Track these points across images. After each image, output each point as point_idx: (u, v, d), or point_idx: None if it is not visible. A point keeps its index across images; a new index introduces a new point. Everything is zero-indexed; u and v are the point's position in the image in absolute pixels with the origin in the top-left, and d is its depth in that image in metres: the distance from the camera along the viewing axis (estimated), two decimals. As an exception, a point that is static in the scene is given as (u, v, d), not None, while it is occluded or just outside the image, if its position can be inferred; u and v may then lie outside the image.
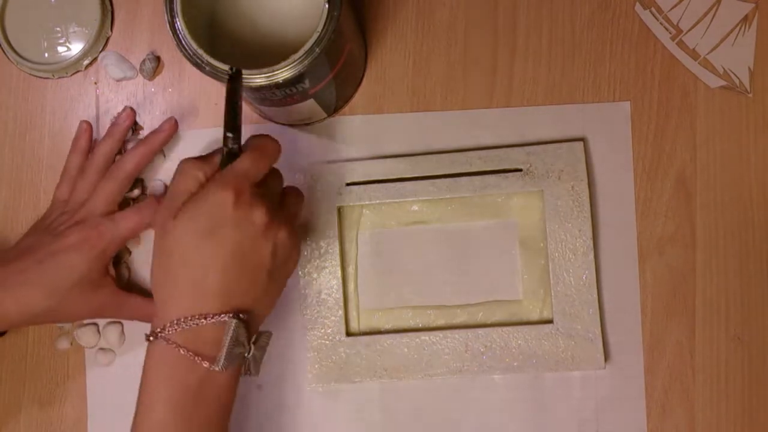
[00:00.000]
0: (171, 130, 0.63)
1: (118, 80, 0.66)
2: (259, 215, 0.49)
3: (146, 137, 0.63)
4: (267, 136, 0.53)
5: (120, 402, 0.53)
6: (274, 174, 0.54)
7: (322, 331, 0.61)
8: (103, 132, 0.64)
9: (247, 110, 0.64)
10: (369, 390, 0.62)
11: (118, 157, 0.62)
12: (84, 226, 0.58)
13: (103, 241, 0.58)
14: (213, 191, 0.49)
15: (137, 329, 0.63)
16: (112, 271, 0.60)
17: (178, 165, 0.52)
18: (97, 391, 0.63)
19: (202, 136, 0.65)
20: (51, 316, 0.58)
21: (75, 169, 0.62)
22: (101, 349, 0.64)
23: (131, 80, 0.66)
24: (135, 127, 0.65)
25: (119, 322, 0.63)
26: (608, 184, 0.61)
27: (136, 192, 0.64)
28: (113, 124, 0.63)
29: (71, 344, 0.64)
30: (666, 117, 0.61)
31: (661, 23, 0.62)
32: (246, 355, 0.51)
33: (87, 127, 0.63)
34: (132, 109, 0.64)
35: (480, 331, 0.60)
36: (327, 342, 0.61)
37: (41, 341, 0.64)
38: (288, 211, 0.54)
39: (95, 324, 0.64)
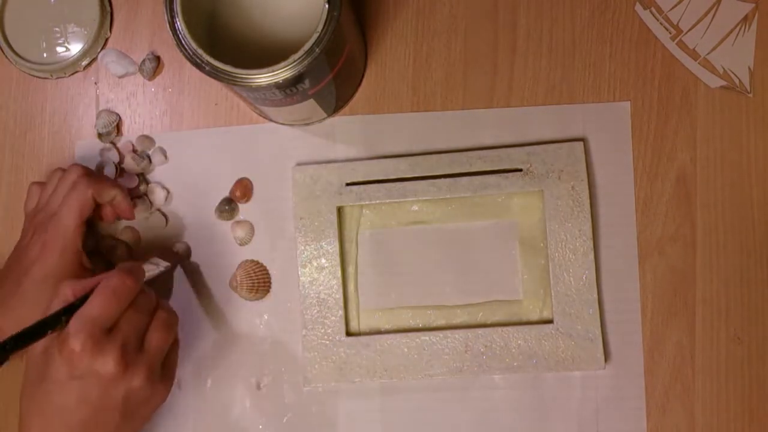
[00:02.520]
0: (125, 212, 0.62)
1: (119, 77, 0.65)
2: (107, 366, 0.49)
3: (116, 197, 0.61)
4: (122, 273, 0.51)
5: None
6: (136, 308, 0.52)
7: (322, 331, 0.61)
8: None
9: (247, 110, 0.64)
10: (369, 390, 0.62)
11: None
12: (38, 231, 0.58)
13: (57, 239, 0.57)
14: (60, 342, 0.49)
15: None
16: (87, 263, 0.59)
17: (59, 286, 0.52)
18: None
19: (201, 136, 0.65)
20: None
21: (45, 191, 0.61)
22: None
23: (131, 80, 0.66)
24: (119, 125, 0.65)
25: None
26: (608, 184, 0.61)
27: (143, 188, 0.64)
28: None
29: None
30: (666, 117, 0.61)
31: (661, 23, 0.62)
32: None
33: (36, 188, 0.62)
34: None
35: (480, 331, 0.60)
36: (327, 342, 0.61)
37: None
38: (150, 348, 0.52)
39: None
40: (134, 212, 0.62)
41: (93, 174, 0.60)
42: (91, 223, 0.63)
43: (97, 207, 0.60)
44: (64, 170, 0.61)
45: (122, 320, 0.51)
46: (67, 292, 0.51)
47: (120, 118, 0.65)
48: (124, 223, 0.64)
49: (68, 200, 0.58)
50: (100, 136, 0.65)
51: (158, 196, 0.64)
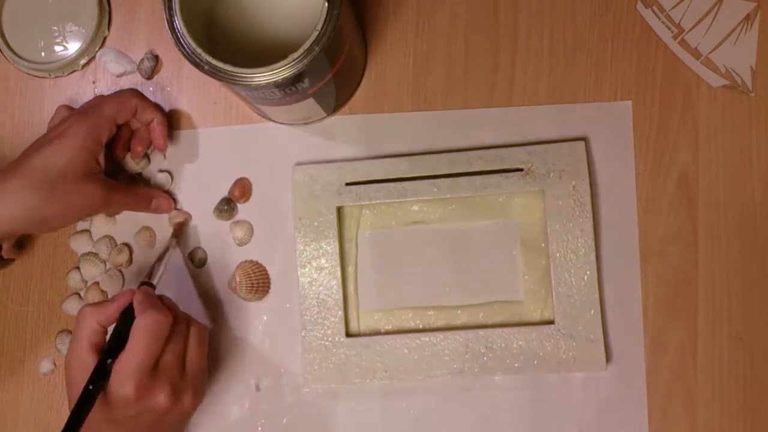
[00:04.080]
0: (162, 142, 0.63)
1: (118, 76, 0.65)
2: (160, 401, 0.52)
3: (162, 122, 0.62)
4: (156, 313, 0.52)
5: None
6: (173, 337, 0.53)
7: (322, 331, 0.61)
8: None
9: (246, 110, 0.64)
10: (369, 391, 0.61)
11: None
12: (72, 115, 0.58)
13: (87, 121, 0.57)
14: (114, 391, 0.51)
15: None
16: (102, 161, 0.59)
17: (79, 311, 0.54)
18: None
19: (201, 135, 0.64)
20: (44, 214, 0.56)
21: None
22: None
23: (130, 79, 0.65)
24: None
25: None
26: (610, 183, 0.61)
27: (143, 163, 0.64)
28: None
29: (55, 365, 0.64)
30: (668, 116, 0.61)
31: (662, 22, 0.62)
32: None
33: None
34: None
35: (481, 332, 0.60)
36: (327, 343, 0.61)
37: (39, 343, 0.64)
38: (192, 369, 0.54)
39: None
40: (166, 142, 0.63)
41: (139, 92, 0.62)
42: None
43: (127, 139, 0.62)
44: None
45: (164, 354, 0.53)
46: (92, 324, 0.53)
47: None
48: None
49: (111, 98, 0.60)
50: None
51: (162, 183, 0.64)
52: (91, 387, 0.50)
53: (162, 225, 0.64)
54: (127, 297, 0.54)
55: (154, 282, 0.58)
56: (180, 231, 0.63)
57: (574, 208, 0.60)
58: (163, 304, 0.54)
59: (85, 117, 0.58)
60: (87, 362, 0.52)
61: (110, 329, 0.54)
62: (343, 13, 0.50)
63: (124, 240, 0.64)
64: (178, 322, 0.54)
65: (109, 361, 0.51)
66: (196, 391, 0.54)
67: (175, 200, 0.64)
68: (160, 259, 0.60)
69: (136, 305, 0.53)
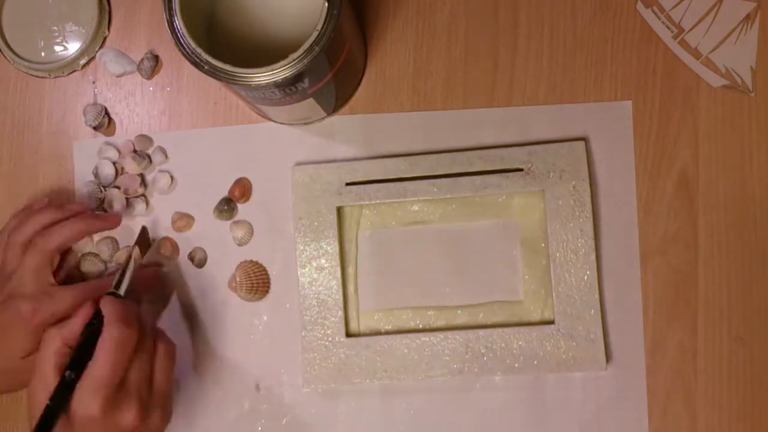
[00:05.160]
0: (113, 221, 0.61)
1: (117, 76, 0.65)
2: (127, 419, 0.49)
3: (84, 214, 0.60)
4: (119, 324, 0.50)
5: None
6: (140, 351, 0.51)
7: (322, 332, 0.61)
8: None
9: (246, 109, 0.64)
10: (369, 391, 0.61)
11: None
12: (18, 300, 0.55)
13: (40, 317, 0.54)
14: (78, 409, 0.48)
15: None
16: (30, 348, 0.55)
17: (44, 332, 0.51)
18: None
19: (200, 135, 0.64)
20: (13, 384, 0.57)
21: (8, 231, 0.60)
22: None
23: (129, 79, 0.65)
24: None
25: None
26: (610, 183, 0.61)
27: (141, 189, 0.64)
28: (60, 204, 0.61)
29: None
30: (668, 116, 0.61)
31: (662, 22, 0.62)
32: None
33: (40, 203, 0.62)
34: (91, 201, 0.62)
35: (481, 332, 0.60)
36: (327, 343, 0.61)
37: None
38: (160, 387, 0.52)
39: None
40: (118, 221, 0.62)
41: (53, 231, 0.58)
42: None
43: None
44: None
45: (131, 370, 0.50)
46: (57, 343, 0.50)
47: (105, 108, 0.65)
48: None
49: (68, 299, 0.55)
50: (95, 129, 0.65)
51: (163, 183, 0.64)
52: (50, 403, 0.47)
53: (160, 228, 0.64)
54: (88, 310, 0.51)
55: (121, 291, 0.55)
56: (144, 239, 0.60)
57: (574, 208, 0.60)
58: (130, 315, 0.51)
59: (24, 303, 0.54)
60: (52, 384, 0.49)
61: None
62: (343, 13, 0.50)
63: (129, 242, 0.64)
64: (145, 336, 0.51)
65: (72, 375, 0.48)
66: (164, 409, 0.52)
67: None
68: (124, 266, 0.56)
69: (104, 316, 0.50)
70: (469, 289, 0.61)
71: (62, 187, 0.65)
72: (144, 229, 0.61)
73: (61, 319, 0.53)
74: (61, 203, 0.62)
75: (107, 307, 0.51)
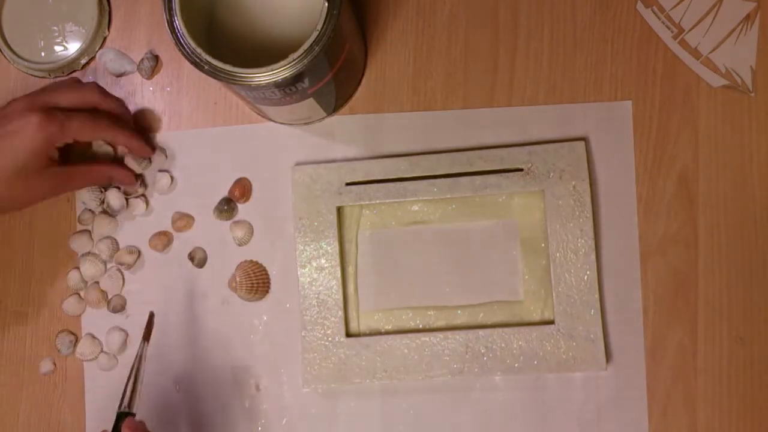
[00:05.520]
0: (144, 151, 0.63)
1: (118, 76, 0.65)
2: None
3: (131, 135, 0.61)
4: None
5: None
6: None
7: (322, 332, 0.61)
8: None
9: (246, 109, 0.64)
10: (369, 391, 0.61)
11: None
12: (33, 110, 0.57)
13: (52, 125, 0.56)
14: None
15: (139, 337, 0.63)
16: (55, 156, 0.59)
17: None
18: (96, 395, 0.63)
19: (200, 135, 0.64)
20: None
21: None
22: (103, 352, 0.63)
23: (129, 79, 0.65)
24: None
25: (123, 330, 0.63)
26: (610, 183, 0.61)
27: (141, 189, 0.64)
28: (121, 116, 0.62)
29: (54, 365, 0.64)
30: (668, 116, 0.61)
31: (662, 22, 0.62)
32: None
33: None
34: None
35: (481, 332, 0.60)
36: (327, 343, 0.61)
37: (39, 343, 0.64)
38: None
39: (93, 337, 0.63)
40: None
41: (100, 88, 0.61)
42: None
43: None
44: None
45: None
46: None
47: None
48: None
49: (67, 93, 0.59)
50: None
51: (163, 183, 0.64)
52: None
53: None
54: None
55: (134, 409, 0.55)
56: (149, 329, 0.59)
57: (574, 208, 0.60)
58: None
59: (37, 114, 0.56)
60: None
61: None
62: (343, 13, 0.50)
63: (134, 243, 0.64)
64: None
65: None
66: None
67: (138, 176, 0.64)
68: (134, 378, 0.56)
69: None
70: (469, 289, 0.61)
71: (62, 187, 0.65)
72: (151, 318, 0.59)
73: (71, 136, 0.58)
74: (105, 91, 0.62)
75: None
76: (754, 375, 0.59)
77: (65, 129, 0.57)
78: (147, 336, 0.58)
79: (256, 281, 0.62)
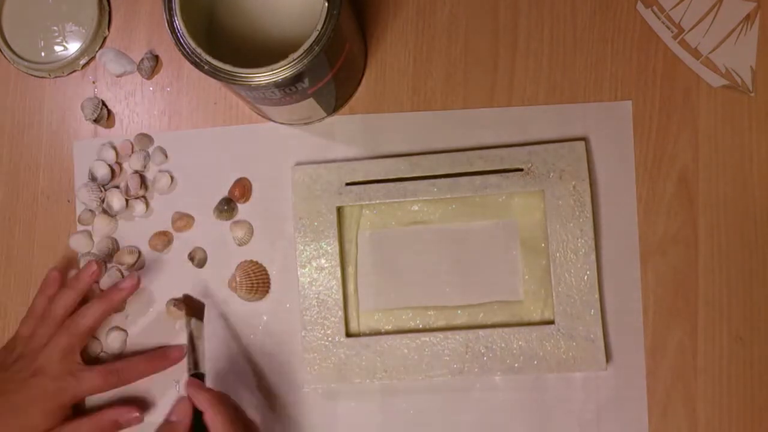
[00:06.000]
0: (132, 288, 0.61)
1: (117, 76, 0.65)
2: None
3: (106, 293, 0.60)
4: (220, 405, 0.54)
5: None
6: None
7: (322, 332, 0.61)
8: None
9: (246, 110, 0.64)
10: (369, 391, 0.61)
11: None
12: (44, 378, 0.57)
13: (63, 397, 0.57)
14: None
15: (139, 339, 0.63)
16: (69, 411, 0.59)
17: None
18: (96, 395, 0.63)
19: (200, 135, 0.64)
20: None
21: (39, 310, 0.60)
22: (103, 352, 0.63)
23: (129, 79, 0.65)
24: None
25: (123, 330, 0.63)
26: (610, 183, 0.61)
27: (141, 190, 0.64)
28: (75, 277, 0.61)
29: None
30: (668, 116, 0.61)
31: (662, 22, 0.62)
32: None
33: (56, 276, 0.62)
34: (97, 265, 0.61)
35: (481, 332, 0.60)
36: (327, 343, 0.61)
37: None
38: None
39: (93, 337, 0.63)
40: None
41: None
42: None
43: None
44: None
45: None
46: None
47: (103, 101, 0.65)
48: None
49: (93, 381, 0.58)
50: (95, 122, 0.64)
51: (163, 183, 0.64)
52: None
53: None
54: (186, 407, 0.54)
55: (202, 370, 0.57)
56: (194, 307, 0.60)
57: (574, 208, 0.60)
58: (225, 398, 0.54)
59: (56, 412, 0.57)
60: None
61: None
62: (343, 13, 0.50)
63: (134, 243, 0.64)
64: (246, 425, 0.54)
65: None
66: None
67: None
68: (193, 344, 0.58)
69: (203, 403, 0.53)
70: (469, 289, 0.61)
71: (62, 187, 0.65)
72: (187, 297, 0.60)
73: (83, 398, 0.57)
74: (74, 277, 0.61)
75: (201, 395, 0.54)
76: (754, 375, 0.59)
77: (75, 395, 0.58)
78: (195, 314, 0.59)
79: (256, 281, 0.62)
